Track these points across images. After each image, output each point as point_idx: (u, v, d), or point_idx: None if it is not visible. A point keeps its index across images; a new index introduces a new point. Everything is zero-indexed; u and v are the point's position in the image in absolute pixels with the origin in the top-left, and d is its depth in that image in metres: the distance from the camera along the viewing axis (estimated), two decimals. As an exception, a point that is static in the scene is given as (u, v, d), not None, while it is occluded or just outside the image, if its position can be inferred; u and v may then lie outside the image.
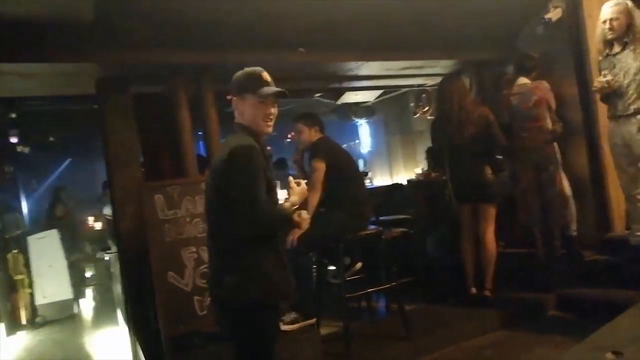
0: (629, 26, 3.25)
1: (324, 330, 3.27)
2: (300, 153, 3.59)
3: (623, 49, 3.29)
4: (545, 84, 3.85)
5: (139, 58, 3.45)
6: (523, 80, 3.92)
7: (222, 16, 3.36)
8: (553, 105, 3.83)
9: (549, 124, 3.78)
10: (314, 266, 3.37)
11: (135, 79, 3.70)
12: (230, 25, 3.45)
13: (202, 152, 4.55)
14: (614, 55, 3.34)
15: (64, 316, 5.57)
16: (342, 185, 3.30)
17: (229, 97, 1.94)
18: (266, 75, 1.90)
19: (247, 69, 1.91)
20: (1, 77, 3.46)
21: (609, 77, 3.29)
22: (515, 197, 3.95)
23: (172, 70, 3.67)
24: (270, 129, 1.90)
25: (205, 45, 3.54)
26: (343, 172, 3.34)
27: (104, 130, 3.59)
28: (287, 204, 1.91)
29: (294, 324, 2.96)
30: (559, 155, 3.92)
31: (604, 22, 3.32)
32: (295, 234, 3.13)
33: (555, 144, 3.88)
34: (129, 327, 3.17)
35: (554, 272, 3.74)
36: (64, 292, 5.63)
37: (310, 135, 3.45)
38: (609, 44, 3.36)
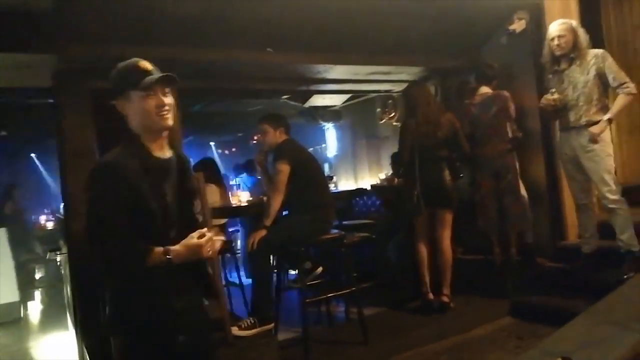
0: (575, 43, 3.38)
1: (282, 336, 3.22)
2: (264, 154, 3.53)
3: (570, 65, 3.43)
4: (505, 94, 3.94)
5: (98, 51, 3.32)
6: (484, 89, 4.01)
7: (186, 11, 3.28)
8: (513, 114, 3.92)
9: (508, 133, 3.87)
10: (274, 270, 3.31)
11: (93, 74, 3.54)
12: (195, 21, 3.37)
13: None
14: (562, 71, 3.47)
15: (9, 320, 5.28)
16: (306, 189, 3.27)
17: (112, 103, 1.65)
18: (145, 64, 1.61)
19: (121, 63, 1.63)
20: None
21: (556, 96, 3.43)
22: (474, 203, 4.01)
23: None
24: (169, 122, 1.59)
25: (166, 41, 3.43)
26: (307, 175, 3.31)
27: (59, 124, 3.44)
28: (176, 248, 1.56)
29: (250, 329, 2.90)
30: (517, 164, 4.00)
31: (552, 39, 3.44)
32: (257, 236, 3.08)
33: (514, 154, 3.97)
34: (76, 332, 3.02)
35: (509, 278, 3.82)
36: (10, 294, 5.34)
37: (276, 136, 3.40)
38: (556, 60, 3.48)
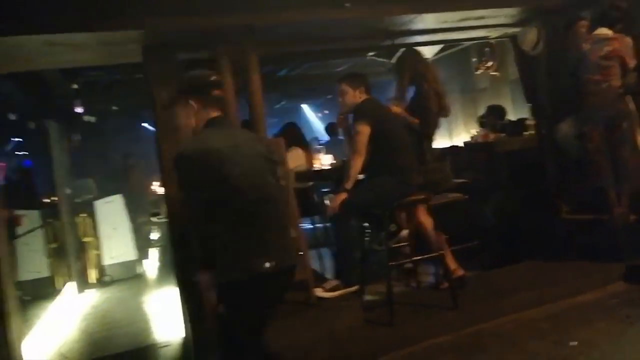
0: None
1: (367, 298, 3.19)
2: (345, 115, 3.43)
3: None
4: (627, 39, 3.44)
5: (182, 24, 3.41)
6: (603, 30, 3.52)
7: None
8: (631, 63, 3.42)
9: (617, 80, 3.38)
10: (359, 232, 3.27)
11: (180, 46, 3.67)
12: None
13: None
14: None
15: (129, 276, 5.92)
16: (388, 150, 3.13)
17: None
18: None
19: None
20: (54, 48, 3.55)
21: None
22: (585, 157, 3.59)
23: (215, 34, 3.58)
24: None
25: (246, 7, 3.42)
26: (389, 136, 3.15)
27: (152, 98, 3.62)
28: None
29: (334, 291, 2.90)
30: (634, 111, 3.48)
31: None
32: (338, 199, 3.04)
33: (629, 98, 3.45)
34: (178, 289, 3.26)
35: (624, 240, 3.39)
36: (129, 253, 5.95)
37: (355, 96, 3.27)
38: None
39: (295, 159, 4.15)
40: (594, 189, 3.63)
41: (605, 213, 3.57)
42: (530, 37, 4.35)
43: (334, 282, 2.93)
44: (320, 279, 3.14)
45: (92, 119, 6.56)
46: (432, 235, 3.25)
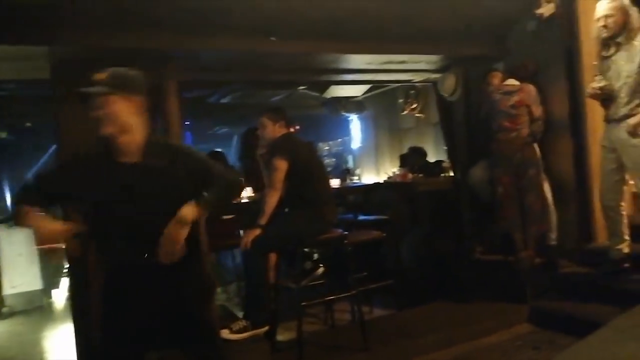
0: (624, 25, 3.01)
1: (278, 339, 3.09)
2: (265, 149, 3.39)
3: (617, 51, 3.07)
4: (530, 87, 3.71)
5: (98, 41, 3.25)
6: (512, 81, 3.80)
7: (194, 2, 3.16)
8: (536, 111, 3.69)
9: (525, 128, 3.63)
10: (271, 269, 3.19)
11: (92, 64, 3.49)
12: (202, 9, 3.24)
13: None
14: (609, 57, 3.11)
15: (32, 307, 5.42)
16: (305, 186, 3.11)
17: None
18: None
19: None
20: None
21: (602, 83, 3.09)
22: (495, 201, 3.76)
23: (130, 55, 3.45)
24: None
25: (170, 30, 3.33)
26: (307, 171, 3.14)
27: (56, 117, 3.40)
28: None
29: (242, 332, 2.78)
30: (540, 158, 3.72)
31: (598, 19, 3.10)
32: (251, 235, 2.95)
33: (536, 146, 3.69)
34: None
35: (529, 281, 3.55)
36: (34, 282, 5.47)
37: (274, 130, 3.25)
38: (604, 45, 3.14)
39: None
40: (503, 232, 3.80)
41: (512, 255, 3.73)
42: (449, 83, 4.58)
43: (243, 323, 2.81)
44: (228, 319, 3.01)
45: (2, 134, 6.10)
46: None
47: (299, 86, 5.72)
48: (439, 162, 5.03)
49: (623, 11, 3.01)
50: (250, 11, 3.37)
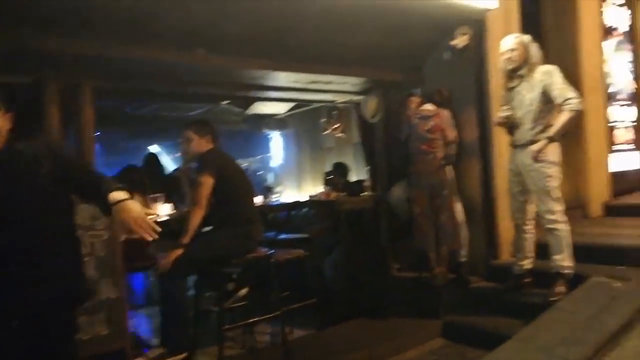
0: (526, 59, 3.33)
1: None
2: (188, 164, 3.27)
3: (520, 82, 3.37)
4: (445, 113, 3.95)
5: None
6: (428, 106, 4.02)
7: (114, 3, 2.98)
8: (450, 136, 3.92)
9: (440, 152, 3.86)
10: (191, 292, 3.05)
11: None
12: (122, 15, 3.07)
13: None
14: (513, 88, 3.42)
15: None
16: (230, 204, 3.03)
17: None
18: None
19: None
20: None
21: (507, 113, 3.38)
22: (411, 220, 3.93)
23: (40, 58, 3.19)
24: None
25: (86, 34, 3.12)
26: (232, 189, 3.07)
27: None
28: None
29: None
30: (453, 180, 3.96)
31: (503, 53, 3.39)
32: (172, 255, 2.81)
33: (450, 168, 3.92)
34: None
35: (442, 298, 3.73)
36: None
37: (201, 145, 3.15)
38: (509, 77, 3.44)
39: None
40: (419, 250, 3.97)
41: (427, 272, 3.91)
42: (370, 106, 4.75)
43: (159, 350, 2.64)
44: (142, 346, 2.82)
45: None
46: None
47: (223, 100, 5.61)
48: (360, 182, 5.17)
49: (525, 46, 3.34)
50: (178, 21, 3.27)
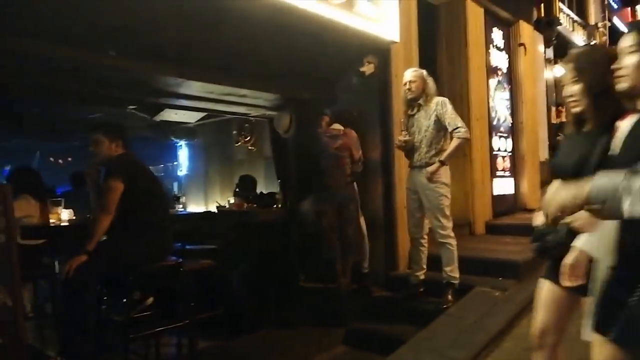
0: (424, 90, 3.71)
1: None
2: (96, 167, 3.13)
3: (419, 110, 3.74)
4: (352, 133, 4.22)
5: None
6: (337, 125, 4.27)
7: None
8: (356, 154, 4.19)
9: (348, 168, 4.14)
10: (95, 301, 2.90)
11: None
12: (37, 10, 2.89)
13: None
14: (413, 115, 3.77)
15: None
16: (141, 210, 2.95)
17: None
18: None
19: None
20: None
21: (406, 137, 3.73)
22: (318, 232, 4.11)
23: None
24: None
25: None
26: (143, 195, 2.99)
27: None
28: None
29: (57, 372, 2.47)
30: (358, 196, 4.22)
31: (405, 84, 3.75)
32: (75, 262, 2.67)
33: (355, 185, 4.18)
34: None
35: (346, 306, 3.93)
36: None
37: (111, 149, 3.04)
38: (410, 105, 3.79)
39: (24, 208, 3.54)
40: (326, 260, 4.16)
41: (333, 282, 4.09)
42: (283, 121, 4.90)
43: (56, 361, 2.49)
44: (40, 358, 2.63)
45: None
46: None
47: (130, 105, 5.40)
48: (271, 194, 5.26)
49: (422, 79, 3.74)
50: (89, 21, 3.15)
